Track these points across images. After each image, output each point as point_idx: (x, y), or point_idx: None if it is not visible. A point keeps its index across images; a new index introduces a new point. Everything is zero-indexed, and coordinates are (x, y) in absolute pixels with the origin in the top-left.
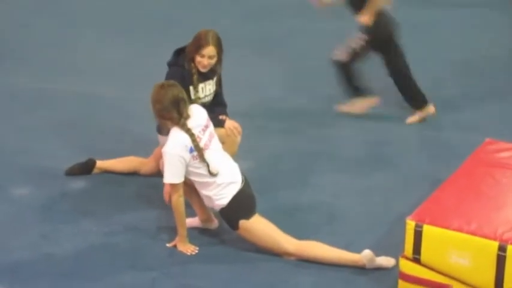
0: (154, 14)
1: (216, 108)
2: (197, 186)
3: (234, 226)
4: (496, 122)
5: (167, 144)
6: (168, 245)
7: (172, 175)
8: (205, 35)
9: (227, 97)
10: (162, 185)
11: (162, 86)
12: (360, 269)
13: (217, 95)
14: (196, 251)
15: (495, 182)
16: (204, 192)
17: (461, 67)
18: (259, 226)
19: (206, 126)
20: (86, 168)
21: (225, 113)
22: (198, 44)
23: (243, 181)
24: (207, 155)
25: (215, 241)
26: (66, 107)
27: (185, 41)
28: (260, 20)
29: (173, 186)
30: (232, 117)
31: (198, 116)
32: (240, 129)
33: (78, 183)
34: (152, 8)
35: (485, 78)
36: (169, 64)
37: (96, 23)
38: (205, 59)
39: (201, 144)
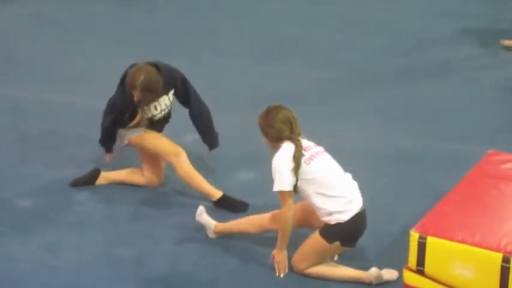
0: (158, 25)
1: (199, 123)
2: (318, 204)
3: (330, 240)
4: (499, 133)
5: (277, 154)
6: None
7: (279, 183)
8: (132, 79)
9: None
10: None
11: (268, 111)
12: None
13: (194, 104)
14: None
15: (499, 194)
16: (326, 208)
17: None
18: (331, 254)
19: (317, 145)
20: (90, 178)
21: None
22: (129, 84)
23: (363, 205)
24: (316, 162)
25: (219, 252)
26: (70, 118)
27: (189, 52)
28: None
29: (282, 197)
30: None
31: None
32: None
33: (83, 195)
34: (155, 18)
35: (491, 91)
36: (118, 88)
37: (99, 35)
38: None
39: (309, 154)
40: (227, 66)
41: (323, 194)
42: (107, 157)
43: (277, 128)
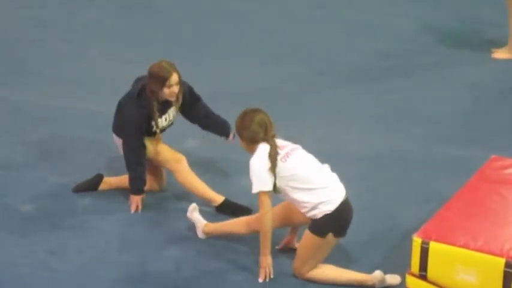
0: (163, 28)
1: (208, 120)
2: (302, 199)
3: (322, 234)
4: (500, 137)
5: (253, 156)
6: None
7: (258, 184)
8: (163, 67)
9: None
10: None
11: (245, 113)
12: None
13: (208, 114)
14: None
15: (501, 199)
16: (310, 201)
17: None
18: (328, 250)
19: (294, 144)
20: (93, 183)
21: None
22: (161, 77)
23: (346, 194)
24: (292, 159)
25: (223, 257)
26: (73, 123)
27: (193, 55)
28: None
29: (260, 198)
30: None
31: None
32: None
33: (85, 200)
34: (161, 22)
35: (493, 95)
36: (134, 104)
37: (100, 37)
38: (175, 86)
39: (284, 151)
40: (228, 69)
41: (303, 189)
42: (135, 202)
43: (252, 129)
